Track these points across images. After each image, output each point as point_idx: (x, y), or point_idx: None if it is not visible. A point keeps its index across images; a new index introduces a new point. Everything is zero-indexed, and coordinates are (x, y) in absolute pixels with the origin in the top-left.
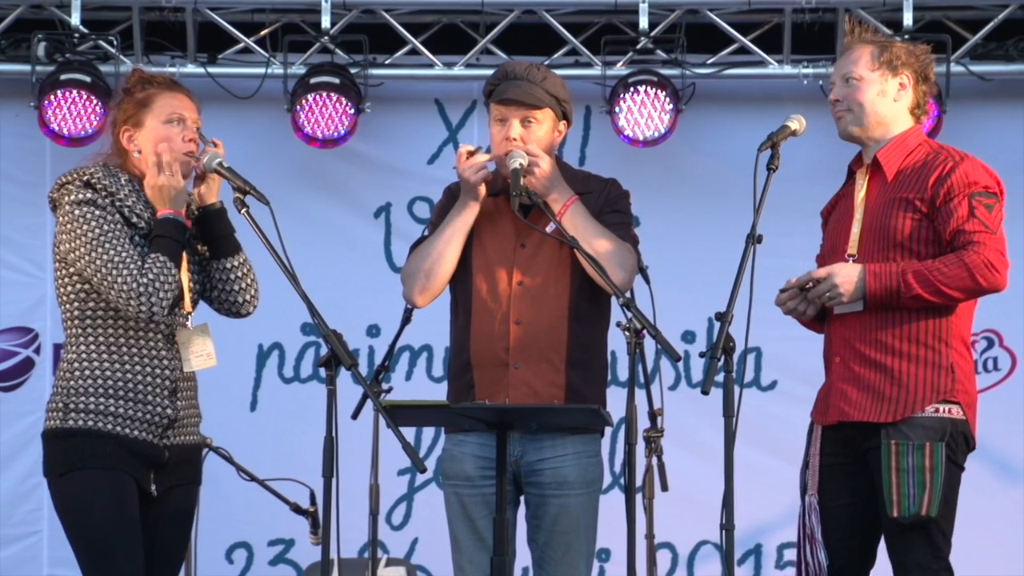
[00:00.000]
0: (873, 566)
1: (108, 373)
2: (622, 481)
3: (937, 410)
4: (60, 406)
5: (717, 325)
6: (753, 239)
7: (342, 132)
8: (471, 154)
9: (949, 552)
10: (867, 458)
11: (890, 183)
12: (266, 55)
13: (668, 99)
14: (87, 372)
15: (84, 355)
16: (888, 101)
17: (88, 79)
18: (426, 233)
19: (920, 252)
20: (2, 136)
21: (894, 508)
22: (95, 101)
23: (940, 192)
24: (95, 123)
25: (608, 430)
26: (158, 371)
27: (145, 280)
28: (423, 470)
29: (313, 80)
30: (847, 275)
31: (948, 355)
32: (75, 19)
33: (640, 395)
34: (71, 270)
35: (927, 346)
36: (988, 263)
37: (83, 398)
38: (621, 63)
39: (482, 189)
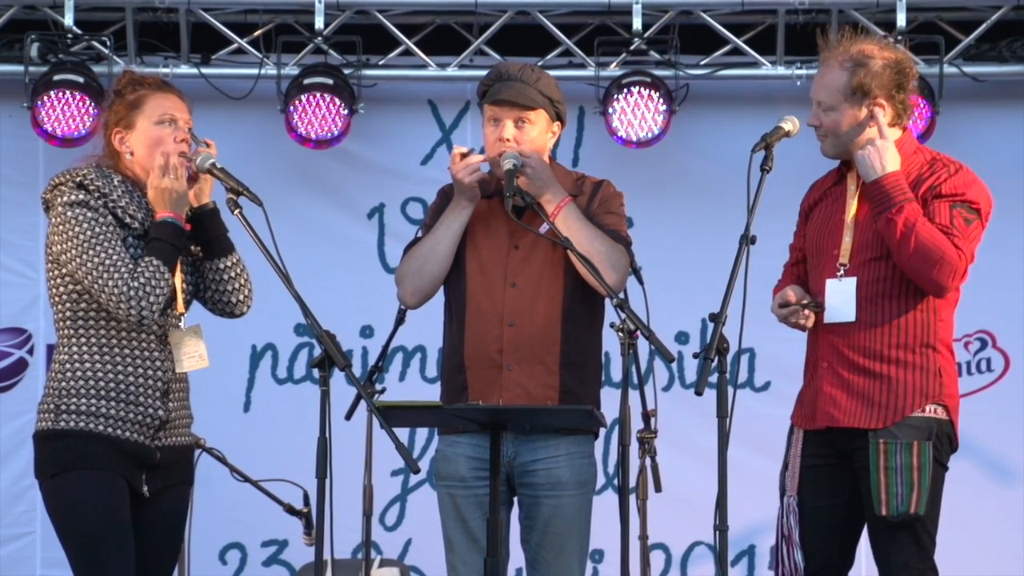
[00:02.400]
0: (851, 567)
1: (100, 374)
2: (615, 482)
3: (924, 410)
4: (51, 407)
5: (711, 326)
6: (747, 240)
7: (335, 133)
8: (464, 156)
9: (934, 551)
10: (852, 459)
11: None
12: (259, 56)
13: (661, 100)
14: (79, 373)
15: (76, 356)
16: (865, 126)
17: (81, 80)
18: (420, 234)
19: None
20: None
21: (883, 507)
22: (88, 102)
23: (929, 197)
24: (88, 124)
25: (602, 431)
26: (150, 372)
27: (136, 284)
28: (416, 471)
29: (306, 81)
30: (891, 153)
31: (936, 359)
32: (68, 20)
33: (634, 396)
34: (63, 271)
35: (916, 352)
36: (955, 267)
37: (75, 399)
38: (615, 64)
39: (476, 190)
